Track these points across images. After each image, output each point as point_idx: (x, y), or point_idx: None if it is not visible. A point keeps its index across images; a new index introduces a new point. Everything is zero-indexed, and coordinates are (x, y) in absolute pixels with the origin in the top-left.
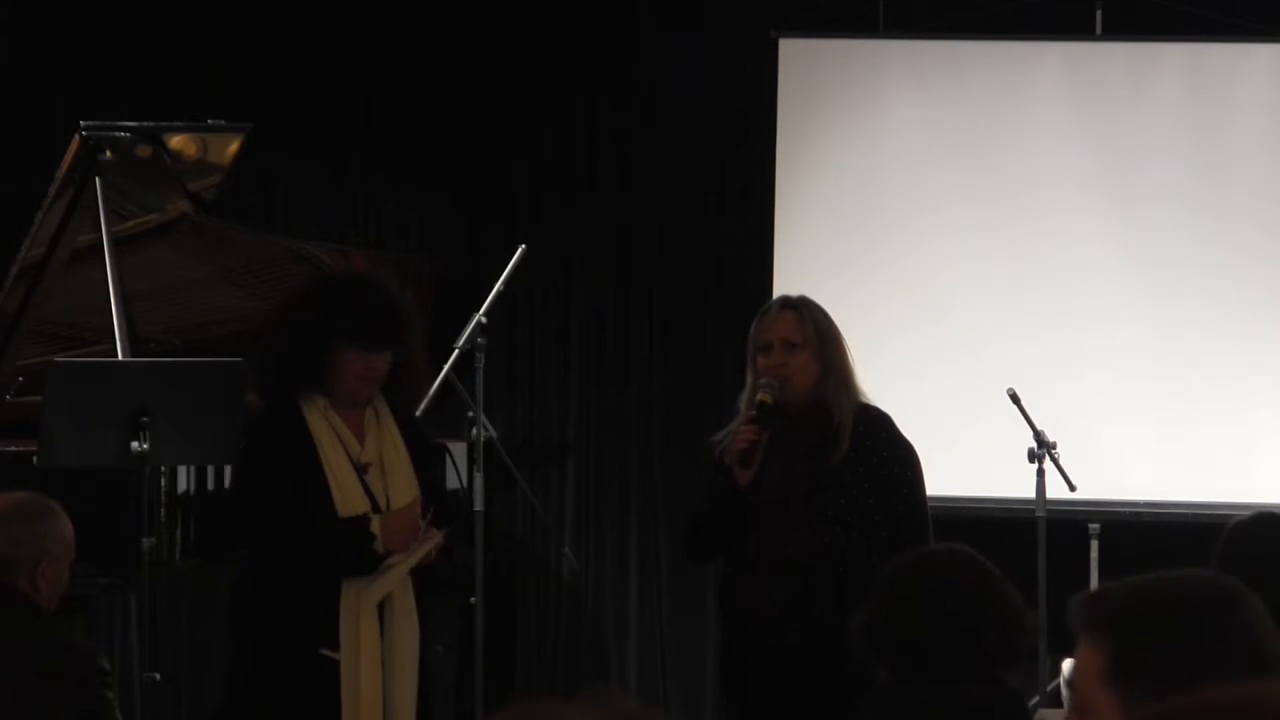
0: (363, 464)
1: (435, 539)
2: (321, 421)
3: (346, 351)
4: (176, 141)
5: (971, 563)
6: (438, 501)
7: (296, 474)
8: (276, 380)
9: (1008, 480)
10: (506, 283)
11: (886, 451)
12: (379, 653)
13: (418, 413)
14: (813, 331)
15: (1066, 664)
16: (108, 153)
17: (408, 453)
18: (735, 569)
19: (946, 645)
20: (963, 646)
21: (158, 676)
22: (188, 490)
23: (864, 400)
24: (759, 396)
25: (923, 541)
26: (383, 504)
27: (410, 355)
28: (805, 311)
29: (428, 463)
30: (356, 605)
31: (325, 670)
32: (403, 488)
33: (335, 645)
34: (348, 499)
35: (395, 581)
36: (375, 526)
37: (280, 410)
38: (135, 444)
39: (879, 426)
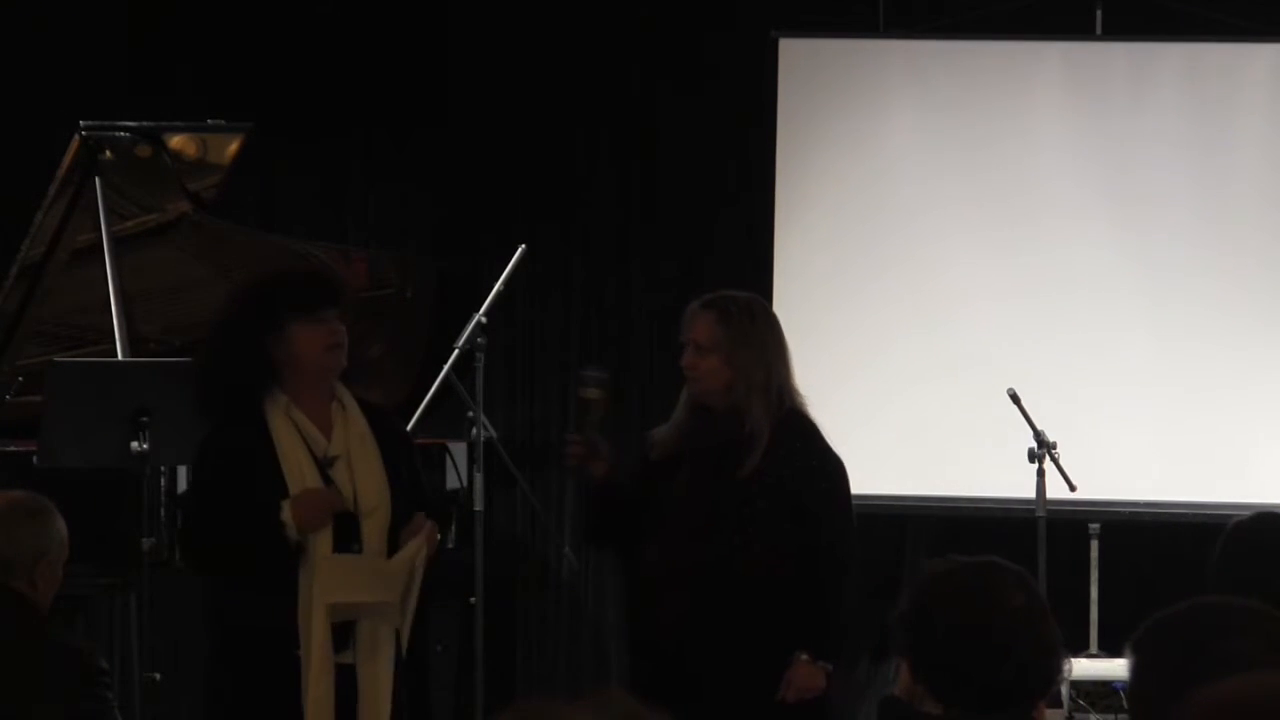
0: (329, 458)
1: (420, 538)
2: (284, 421)
3: (302, 327)
4: (176, 141)
5: (1027, 585)
6: (415, 491)
7: (253, 476)
8: (234, 386)
9: (1008, 480)
10: (506, 283)
11: (801, 463)
12: (330, 654)
13: (417, 411)
14: (724, 335)
15: (1067, 665)
16: (108, 153)
17: (376, 444)
18: (638, 574)
19: (989, 670)
20: (1005, 673)
21: (158, 676)
22: (188, 490)
23: (798, 408)
24: (581, 393)
25: (844, 555)
26: (349, 497)
27: (372, 354)
28: (723, 313)
29: (399, 452)
30: (310, 606)
31: (297, 671)
32: (371, 479)
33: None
34: None
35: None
36: (286, 513)
37: (238, 415)
38: (135, 444)
39: (799, 437)
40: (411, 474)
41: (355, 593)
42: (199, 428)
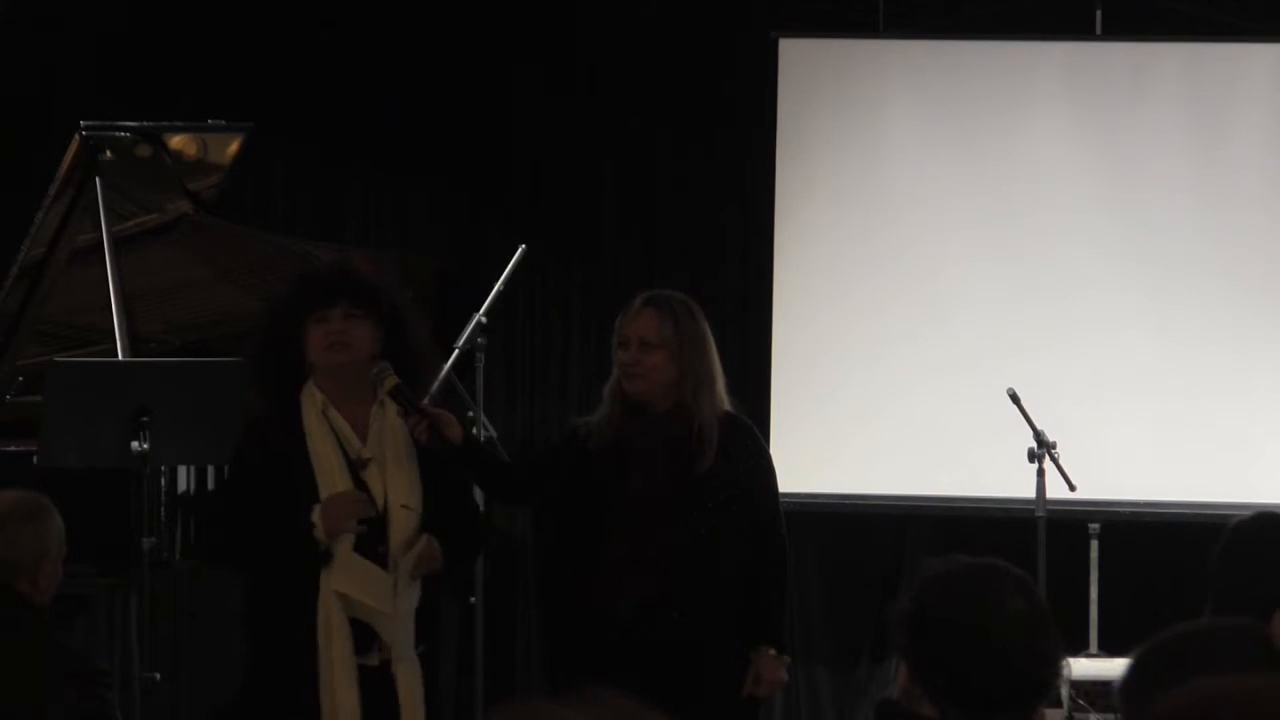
0: (363, 460)
1: (410, 562)
2: (318, 420)
3: (309, 326)
4: (176, 141)
5: (1027, 589)
6: (456, 493)
7: (284, 474)
8: (272, 380)
9: (1008, 480)
10: (506, 283)
11: (752, 460)
12: (353, 665)
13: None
14: (671, 332)
15: (1066, 666)
16: (108, 153)
17: (414, 446)
18: (593, 567)
19: (985, 674)
20: (1000, 678)
21: (158, 676)
22: (188, 490)
23: (728, 408)
24: (386, 387)
25: (778, 550)
26: (380, 502)
27: (405, 340)
28: (667, 311)
29: (441, 457)
30: (329, 619)
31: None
32: (403, 484)
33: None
34: None
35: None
36: (316, 515)
37: (278, 409)
38: (135, 444)
39: (744, 435)
40: (451, 479)
41: (363, 594)
42: (199, 427)
